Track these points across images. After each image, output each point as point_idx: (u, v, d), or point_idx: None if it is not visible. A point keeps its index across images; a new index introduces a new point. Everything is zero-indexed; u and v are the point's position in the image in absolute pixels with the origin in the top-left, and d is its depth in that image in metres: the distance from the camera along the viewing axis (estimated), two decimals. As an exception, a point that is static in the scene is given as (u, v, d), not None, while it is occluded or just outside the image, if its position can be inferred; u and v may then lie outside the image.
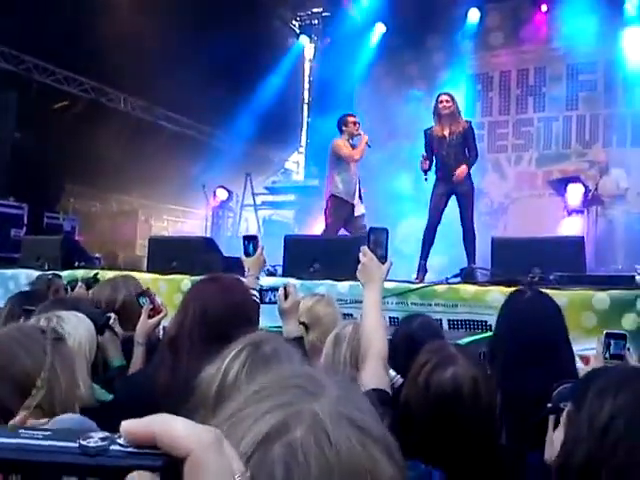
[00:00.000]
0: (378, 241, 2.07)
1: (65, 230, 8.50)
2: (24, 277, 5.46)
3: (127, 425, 0.49)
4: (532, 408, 1.80)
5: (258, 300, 2.78)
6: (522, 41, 11.54)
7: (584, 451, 1.21)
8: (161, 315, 2.86)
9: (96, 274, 4.36)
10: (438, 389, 1.69)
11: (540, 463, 1.56)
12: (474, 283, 4.59)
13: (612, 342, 2.34)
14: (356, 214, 6.87)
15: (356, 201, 6.93)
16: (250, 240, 3.11)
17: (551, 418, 1.57)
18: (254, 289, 2.83)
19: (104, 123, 10.13)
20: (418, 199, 10.07)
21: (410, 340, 2.66)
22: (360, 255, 2.05)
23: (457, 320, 4.42)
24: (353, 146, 6.98)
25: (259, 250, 3.04)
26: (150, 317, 2.83)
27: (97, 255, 7.00)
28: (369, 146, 6.98)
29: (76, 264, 6.10)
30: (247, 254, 3.04)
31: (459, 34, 11.81)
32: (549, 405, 1.64)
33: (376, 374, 1.79)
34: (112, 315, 2.83)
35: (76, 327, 2.17)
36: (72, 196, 10.22)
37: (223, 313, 2.03)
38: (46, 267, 5.68)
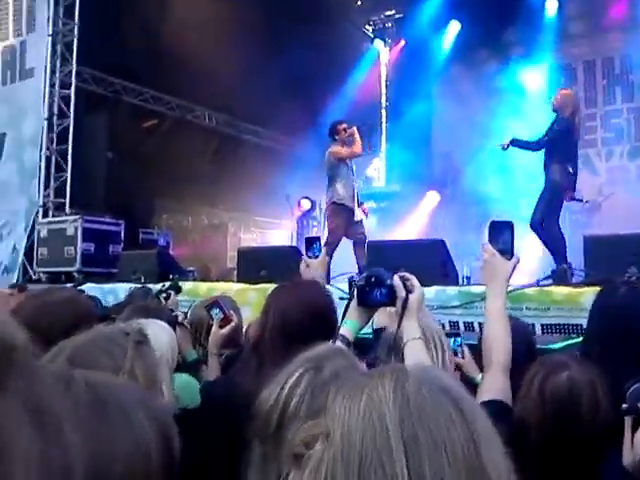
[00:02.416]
0: (500, 235, 1.90)
1: (159, 245, 8.86)
2: (122, 291, 5.74)
3: None
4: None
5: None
6: (604, 28, 11.04)
7: None
8: (232, 325, 2.88)
9: (177, 282, 4.40)
10: (554, 395, 1.59)
11: (618, 468, 1.44)
12: (567, 285, 4.44)
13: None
14: (355, 219, 7.00)
15: (355, 206, 7.07)
16: (313, 241, 3.11)
17: (628, 420, 1.44)
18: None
19: (191, 139, 10.50)
20: (505, 199, 9.85)
21: None
22: (482, 252, 1.92)
23: (550, 324, 4.28)
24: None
25: (323, 251, 3.04)
26: (221, 327, 2.87)
27: (191, 268, 7.25)
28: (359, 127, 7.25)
29: (171, 277, 6.35)
30: (311, 256, 3.04)
31: (537, 26, 11.44)
32: (624, 406, 1.48)
33: (494, 386, 1.68)
34: (179, 313, 2.92)
35: (157, 334, 2.16)
36: (164, 212, 10.63)
37: (302, 317, 2.04)
38: (142, 281, 5.95)
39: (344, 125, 7.37)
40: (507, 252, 1.87)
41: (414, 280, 1.93)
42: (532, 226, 5.87)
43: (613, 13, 10.88)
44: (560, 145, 5.99)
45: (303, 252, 3.14)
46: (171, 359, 2.28)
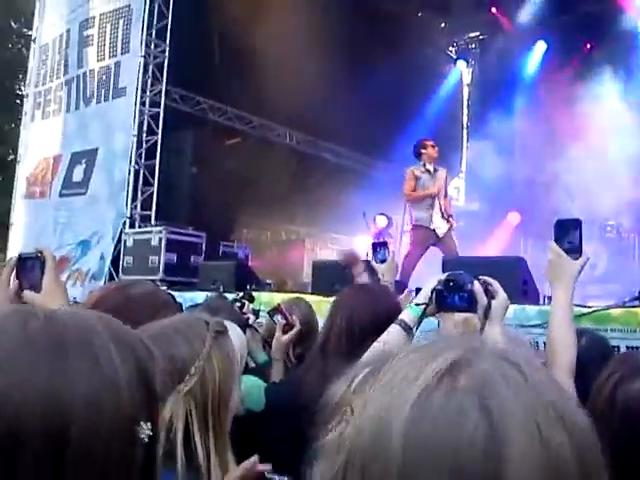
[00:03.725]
0: (566, 234, 1.83)
1: (238, 257, 9.06)
2: (202, 299, 5.88)
3: None
4: None
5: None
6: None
7: None
8: (294, 330, 2.89)
9: (250, 292, 4.46)
10: (625, 405, 1.44)
11: None
12: (655, 306, 4.22)
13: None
14: (441, 235, 6.78)
15: (437, 223, 6.83)
16: (381, 246, 3.08)
17: None
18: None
19: (272, 157, 10.72)
20: (587, 222, 9.48)
21: (578, 361, 2.43)
22: (548, 251, 1.85)
23: (638, 347, 4.09)
24: (429, 171, 6.93)
25: (391, 256, 3.00)
26: (284, 333, 2.88)
27: (268, 281, 7.36)
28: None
29: (248, 288, 6.47)
30: (380, 261, 3.01)
31: (629, 46, 11.04)
32: None
33: None
34: (251, 316, 2.94)
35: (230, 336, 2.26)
36: (244, 226, 10.88)
37: (369, 320, 2.03)
38: (221, 290, 6.09)
39: (432, 143, 7.23)
40: (575, 251, 1.79)
41: (496, 285, 1.84)
42: None
43: None
44: None
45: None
46: (240, 360, 2.33)
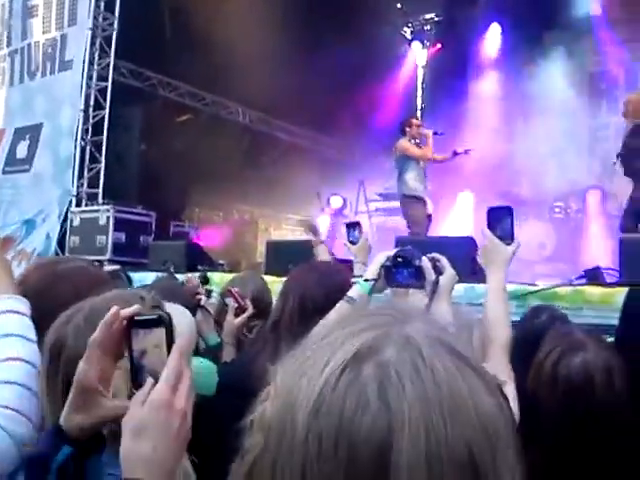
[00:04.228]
0: (499, 221, 1.90)
1: (190, 237, 8.94)
2: (151, 280, 5.78)
3: None
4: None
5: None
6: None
7: None
8: (247, 314, 2.84)
9: (205, 273, 4.44)
10: (566, 379, 1.52)
11: None
12: (601, 285, 4.32)
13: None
14: (428, 212, 6.93)
15: (427, 198, 7.00)
16: (353, 227, 3.07)
17: None
18: (361, 276, 2.80)
19: (224, 135, 10.56)
20: (536, 201, 9.70)
21: (535, 337, 2.44)
22: (483, 237, 1.91)
23: (582, 324, 4.16)
24: (417, 144, 7.09)
25: (363, 236, 2.99)
26: (236, 316, 2.83)
27: (220, 261, 7.28)
28: (440, 134, 7.08)
29: (200, 268, 6.37)
30: (352, 242, 3.00)
31: (580, 30, 11.21)
32: None
33: (500, 366, 1.64)
34: (203, 297, 2.89)
35: (177, 319, 2.19)
36: (196, 206, 10.72)
37: (321, 298, 2.01)
38: (172, 271, 5.98)
39: (418, 122, 7.31)
40: (507, 237, 1.86)
41: (444, 261, 1.87)
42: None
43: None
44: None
45: (343, 238, 3.12)
46: (191, 344, 2.27)
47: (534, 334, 2.43)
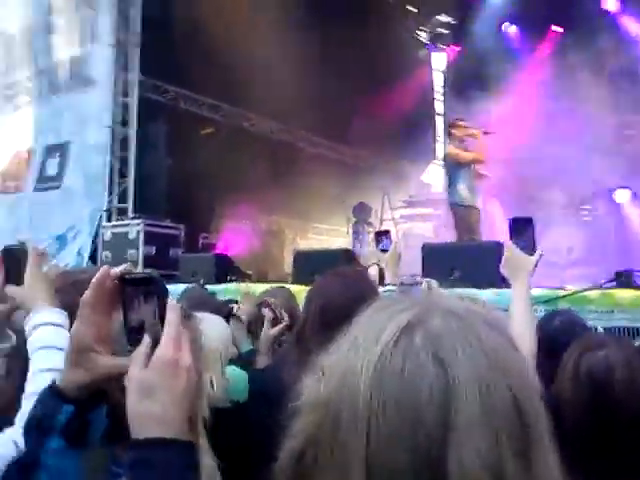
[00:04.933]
0: (521, 232, 1.96)
1: (218, 249, 9.01)
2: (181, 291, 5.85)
3: None
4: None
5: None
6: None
7: None
8: (283, 324, 2.88)
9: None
10: (588, 374, 1.57)
11: None
12: (632, 287, 4.29)
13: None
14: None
15: (481, 205, 6.82)
16: (383, 235, 3.09)
17: None
18: (394, 284, 2.81)
19: (247, 146, 10.64)
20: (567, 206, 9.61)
21: (551, 342, 2.32)
22: (504, 249, 1.97)
23: (613, 327, 4.15)
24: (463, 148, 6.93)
25: (393, 245, 3.00)
26: (273, 326, 2.86)
27: (248, 272, 7.34)
28: (491, 133, 6.86)
29: (229, 279, 6.46)
30: (382, 250, 3.02)
31: (595, 28, 11.10)
32: None
33: None
34: (234, 305, 2.93)
35: (210, 327, 2.16)
36: (223, 217, 10.81)
37: (344, 307, 1.93)
38: (202, 282, 6.07)
39: (464, 123, 7.04)
40: (529, 248, 1.92)
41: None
42: None
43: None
44: None
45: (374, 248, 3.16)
46: (224, 353, 2.31)
47: (550, 338, 2.44)
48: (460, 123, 7.00)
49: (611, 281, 4.56)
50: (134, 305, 0.97)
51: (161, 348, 0.91)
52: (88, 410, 1.00)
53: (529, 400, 0.65)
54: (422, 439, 0.60)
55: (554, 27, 11.56)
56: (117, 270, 1.01)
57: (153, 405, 0.88)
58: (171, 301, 0.97)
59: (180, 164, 9.52)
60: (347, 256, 5.87)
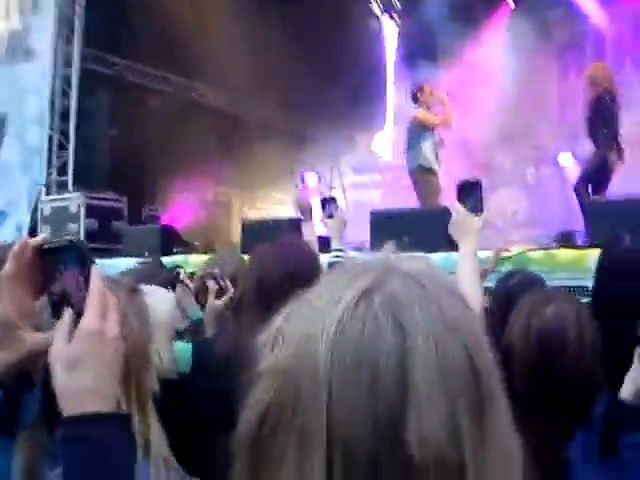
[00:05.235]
0: (468, 194, 1.99)
1: (164, 221, 8.87)
2: (125, 265, 5.72)
3: None
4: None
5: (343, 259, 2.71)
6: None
7: None
8: (228, 295, 2.79)
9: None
10: (539, 330, 1.59)
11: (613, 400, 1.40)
12: (573, 247, 4.40)
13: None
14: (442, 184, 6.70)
15: (440, 170, 6.78)
16: (329, 202, 3.07)
17: (636, 354, 1.43)
18: (340, 250, 2.80)
19: (195, 118, 10.44)
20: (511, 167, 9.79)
21: (508, 298, 2.36)
22: (451, 210, 2.00)
23: (556, 287, 4.25)
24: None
25: (339, 211, 3.00)
26: (218, 298, 2.80)
27: (195, 243, 7.23)
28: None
29: (175, 251, 6.35)
30: (328, 216, 3.01)
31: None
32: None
33: None
34: (180, 270, 2.89)
35: (159, 301, 2.14)
36: (169, 189, 10.62)
37: (279, 279, 1.96)
38: (146, 255, 5.94)
39: (430, 88, 6.91)
40: (476, 210, 1.96)
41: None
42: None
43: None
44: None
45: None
46: (171, 326, 2.27)
47: (506, 297, 2.47)
48: (426, 88, 6.88)
49: (553, 242, 4.66)
50: (55, 275, 0.92)
51: (85, 318, 0.87)
52: (18, 393, 0.95)
53: (483, 361, 0.66)
54: (381, 402, 0.61)
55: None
56: (36, 240, 0.95)
57: (81, 378, 0.85)
58: (95, 267, 0.91)
59: (125, 136, 9.28)
60: (295, 225, 5.82)
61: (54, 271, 0.92)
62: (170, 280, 2.87)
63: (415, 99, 6.90)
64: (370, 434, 0.60)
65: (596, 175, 6.12)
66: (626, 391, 1.38)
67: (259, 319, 1.84)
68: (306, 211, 3.40)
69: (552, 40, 11.62)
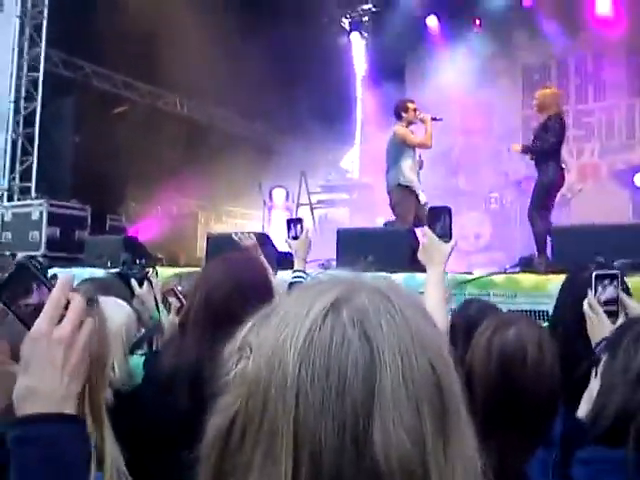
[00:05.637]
0: (438, 220, 2.03)
1: (127, 231, 8.75)
2: (87, 275, 5.62)
3: None
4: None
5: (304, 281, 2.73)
6: (579, 27, 11.17)
7: (618, 400, 1.17)
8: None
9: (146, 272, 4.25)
10: (501, 350, 1.64)
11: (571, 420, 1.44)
12: (534, 272, 4.47)
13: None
14: (422, 202, 6.65)
15: (420, 189, 6.77)
16: (295, 223, 3.09)
17: (593, 372, 1.47)
18: (302, 271, 2.81)
19: (162, 126, 10.36)
20: (475, 193, 9.93)
21: (468, 326, 2.53)
22: (420, 236, 2.06)
23: (517, 310, 4.31)
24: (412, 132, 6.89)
25: (304, 232, 3.01)
26: (178, 314, 2.78)
27: (160, 256, 7.13)
28: (439, 119, 6.86)
29: (138, 263, 6.23)
30: (293, 237, 3.02)
31: (513, 23, 11.52)
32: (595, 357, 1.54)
33: None
34: (149, 270, 2.90)
35: (114, 312, 2.15)
36: (133, 199, 10.48)
37: (229, 295, 1.95)
38: (108, 265, 5.85)
39: (415, 106, 6.86)
40: (445, 236, 2.01)
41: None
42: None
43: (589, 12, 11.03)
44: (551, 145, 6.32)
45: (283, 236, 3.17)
46: (126, 339, 2.25)
47: (466, 323, 2.53)
48: (410, 105, 6.89)
49: (515, 266, 4.73)
50: (20, 298, 0.95)
51: (36, 322, 0.91)
52: None
53: (447, 374, 0.68)
54: (348, 409, 0.62)
55: (472, 19, 11.87)
56: None
57: (30, 379, 0.88)
58: (65, 275, 0.96)
59: (89, 143, 9.15)
60: (262, 240, 5.79)
61: (18, 296, 0.95)
62: (142, 276, 3.00)
63: (399, 116, 6.89)
64: (337, 441, 0.62)
65: (541, 202, 6.29)
66: (583, 410, 1.42)
67: (205, 336, 1.85)
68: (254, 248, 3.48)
69: (517, 62, 11.92)
